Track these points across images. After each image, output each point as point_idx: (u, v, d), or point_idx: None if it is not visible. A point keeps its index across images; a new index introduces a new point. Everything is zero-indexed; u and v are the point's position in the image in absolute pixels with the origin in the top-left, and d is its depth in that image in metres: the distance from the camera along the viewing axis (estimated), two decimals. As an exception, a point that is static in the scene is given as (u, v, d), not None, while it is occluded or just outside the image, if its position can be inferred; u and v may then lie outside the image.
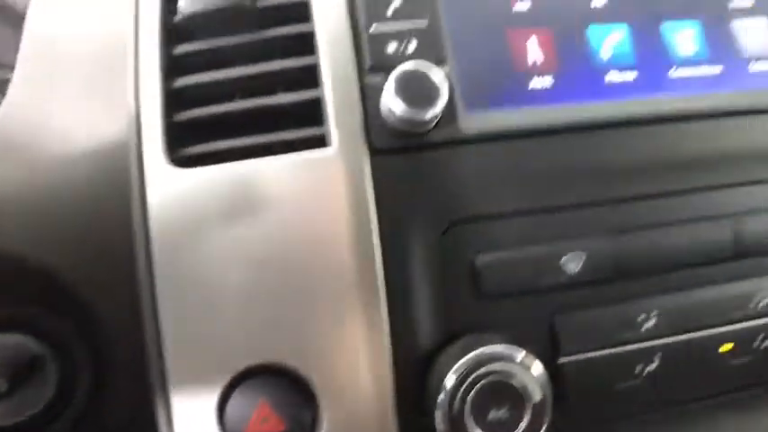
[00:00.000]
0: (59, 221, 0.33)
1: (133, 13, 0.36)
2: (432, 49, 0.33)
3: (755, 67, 0.39)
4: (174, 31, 0.36)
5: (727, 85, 0.38)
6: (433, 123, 0.32)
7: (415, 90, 0.31)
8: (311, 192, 0.32)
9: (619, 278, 0.34)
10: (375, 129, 0.32)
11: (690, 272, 0.36)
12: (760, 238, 0.36)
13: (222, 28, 0.36)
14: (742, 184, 0.36)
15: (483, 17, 0.36)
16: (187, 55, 0.36)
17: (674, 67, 0.37)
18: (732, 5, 0.40)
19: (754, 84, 0.38)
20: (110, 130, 0.35)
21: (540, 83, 0.36)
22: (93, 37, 0.37)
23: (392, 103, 0.31)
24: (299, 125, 0.34)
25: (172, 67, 0.35)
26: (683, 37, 0.38)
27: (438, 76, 0.31)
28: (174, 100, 0.35)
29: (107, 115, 0.35)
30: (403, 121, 0.31)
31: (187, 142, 0.34)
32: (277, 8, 0.36)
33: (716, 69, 0.38)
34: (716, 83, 0.38)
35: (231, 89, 0.35)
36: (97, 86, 0.36)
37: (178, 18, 0.36)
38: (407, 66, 0.31)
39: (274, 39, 0.36)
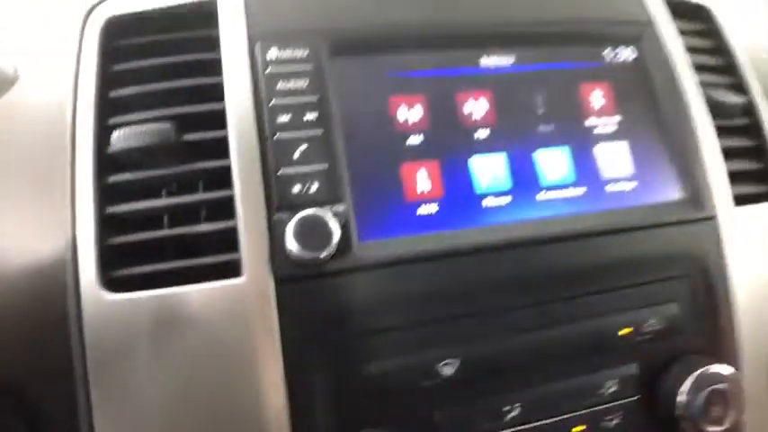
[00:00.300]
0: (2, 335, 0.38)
1: (69, 143, 0.41)
2: (331, 189, 0.39)
3: (612, 188, 0.46)
4: (107, 161, 0.41)
5: (589, 206, 0.45)
6: (330, 256, 0.38)
7: (312, 234, 0.37)
8: (225, 317, 0.37)
9: (489, 378, 0.41)
10: (280, 260, 0.38)
11: (551, 367, 0.43)
12: (608, 338, 0.43)
13: (151, 161, 0.41)
14: (592, 294, 0.43)
15: (380, 154, 0.42)
16: (119, 184, 0.41)
17: (544, 190, 0.44)
18: (596, 131, 0.47)
19: (611, 204, 0.45)
20: (48, 250, 0.40)
21: (428, 210, 0.42)
22: (34, 163, 0.42)
23: (291, 244, 0.37)
24: (219, 248, 0.39)
25: (105, 194, 0.40)
26: (553, 163, 0.45)
27: (333, 220, 0.37)
28: (106, 225, 0.40)
29: (46, 236, 0.40)
30: (301, 257, 0.37)
31: (120, 264, 0.39)
32: (200, 144, 0.41)
33: (579, 191, 0.45)
34: (579, 204, 0.45)
35: (160, 215, 0.41)
36: (37, 208, 0.41)
37: (111, 150, 0.41)
38: (306, 212, 0.37)
39: (197, 171, 0.41)
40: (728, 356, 0.45)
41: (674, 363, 0.44)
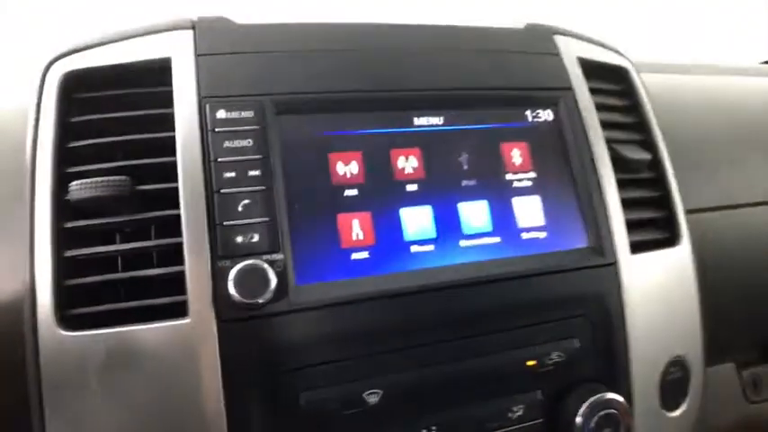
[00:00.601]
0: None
1: (29, 190, 0.45)
2: (271, 240, 0.44)
3: (525, 236, 0.52)
4: (65, 207, 0.44)
5: (504, 252, 0.51)
6: (268, 301, 0.43)
7: (251, 281, 0.42)
8: (172, 354, 0.42)
9: (410, 404, 0.47)
10: (222, 303, 0.42)
11: (465, 394, 0.49)
12: (516, 369, 0.49)
13: (107, 209, 0.45)
14: (504, 331, 0.49)
15: (318, 205, 0.47)
16: (76, 229, 0.44)
17: (465, 238, 0.50)
18: (514, 186, 0.53)
19: (524, 251, 0.51)
20: (8, 291, 0.43)
21: (360, 256, 0.47)
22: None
23: (233, 289, 0.42)
24: (170, 290, 0.44)
25: (62, 239, 0.44)
26: (473, 214, 0.51)
27: (270, 269, 0.42)
28: (64, 267, 0.43)
29: (5, 277, 0.44)
30: (241, 301, 0.42)
31: (76, 304, 0.43)
32: (153, 193, 0.45)
33: (496, 239, 0.51)
34: (496, 250, 0.51)
35: (114, 258, 0.45)
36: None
37: (70, 199, 0.44)
38: (246, 262, 0.42)
39: (149, 219, 0.45)
40: (621, 385, 0.52)
41: (573, 390, 0.50)
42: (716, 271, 0.66)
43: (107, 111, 0.47)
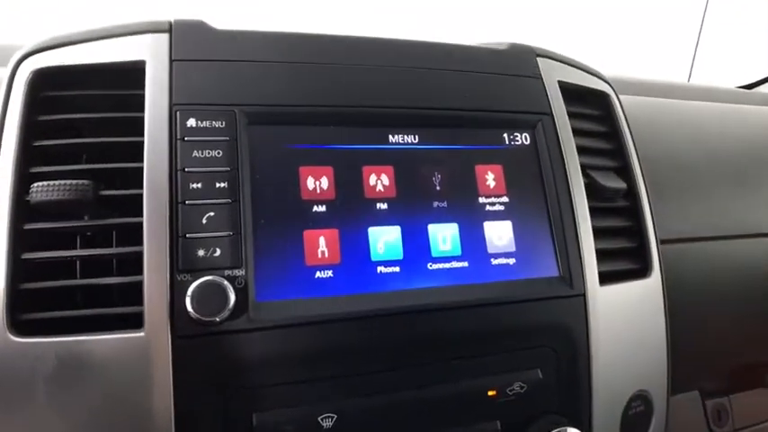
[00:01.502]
0: None
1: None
2: (233, 255, 0.43)
3: (494, 261, 0.51)
4: (24, 208, 0.43)
5: (472, 278, 0.50)
6: (225, 318, 0.42)
7: (209, 298, 0.41)
8: (123, 366, 0.41)
9: (365, 431, 0.46)
10: (179, 317, 0.41)
11: (422, 422, 0.48)
12: (476, 398, 0.49)
13: (68, 213, 0.44)
14: (466, 358, 0.49)
15: (285, 221, 0.46)
16: (34, 231, 0.43)
17: (432, 262, 0.49)
18: (485, 209, 0.52)
19: (492, 277, 0.51)
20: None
21: (325, 274, 0.46)
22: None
23: (190, 304, 0.41)
24: (128, 299, 0.43)
25: (20, 240, 0.43)
26: (443, 236, 0.50)
27: (230, 287, 0.41)
28: (19, 270, 0.42)
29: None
30: (198, 318, 0.41)
31: (29, 309, 0.42)
32: (116, 198, 0.44)
33: (464, 264, 0.50)
34: (463, 275, 0.50)
35: (72, 263, 0.44)
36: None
37: (30, 200, 0.43)
38: (206, 278, 0.41)
39: (111, 225, 0.44)
40: (582, 419, 0.52)
41: (532, 422, 0.50)
42: (685, 301, 0.66)
43: (75, 111, 0.46)
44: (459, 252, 0.50)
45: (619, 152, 0.62)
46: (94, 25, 0.49)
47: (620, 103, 0.65)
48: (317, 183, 0.48)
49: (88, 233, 0.45)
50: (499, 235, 0.52)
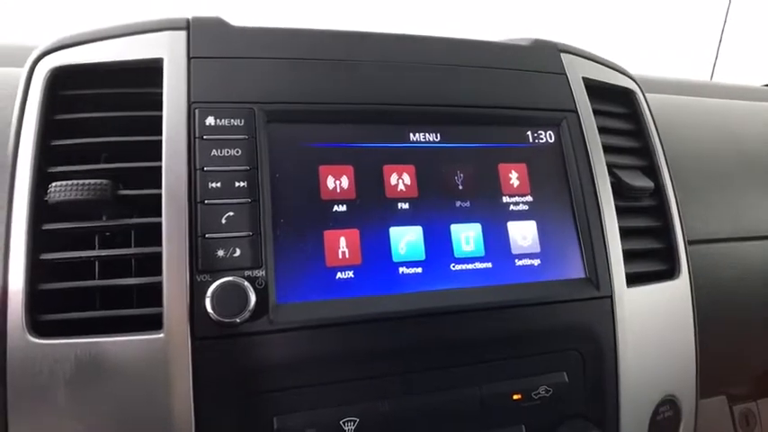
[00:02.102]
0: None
1: (7, 189, 0.43)
2: (253, 256, 0.42)
3: (519, 263, 0.50)
4: (43, 208, 0.43)
5: (496, 279, 0.49)
6: (246, 319, 0.41)
7: (230, 299, 0.40)
8: (142, 369, 0.40)
9: None
10: (198, 319, 0.41)
11: (446, 426, 0.47)
12: (501, 402, 0.48)
13: (86, 213, 0.43)
14: (491, 361, 0.48)
15: (305, 221, 0.45)
16: (53, 232, 0.43)
17: (454, 263, 0.48)
18: (509, 209, 0.51)
19: (516, 278, 0.49)
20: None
21: (346, 275, 0.45)
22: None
23: (210, 306, 0.40)
24: (148, 299, 0.42)
25: (39, 241, 0.42)
26: (466, 237, 0.49)
27: (251, 287, 0.41)
28: (38, 271, 0.42)
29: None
30: (218, 319, 0.40)
31: (48, 309, 0.41)
32: (135, 197, 0.44)
33: (488, 265, 0.49)
34: (487, 276, 0.49)
35: (91, 263, 0.43)
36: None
37: (48, 200, 0.43)
38: (226, 278, 0.40)
39: (129, 226, 0.43)
40: (609, 424, 0.50)
41: (558, 427, 0.48)
42: (712, 304, 0.64)
43: (93, 110, 0.46)
44: (482, 253, 0.49)
45: (645, 151, 0.60)
46: (112, 23, 0.48)
47: (646, 100, 0.63)
48: (338, 182, 0.47)
49: (107, 233, 0.44)
50: (523, 235, 0.51)
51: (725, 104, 0.85)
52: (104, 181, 0.43)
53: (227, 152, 0.44)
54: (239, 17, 0.51)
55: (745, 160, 0.76)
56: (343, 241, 0.46)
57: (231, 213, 0.43)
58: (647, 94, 0.64)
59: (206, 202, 0.43)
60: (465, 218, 0.49)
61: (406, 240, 0.48)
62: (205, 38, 0.47)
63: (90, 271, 0.43)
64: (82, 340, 0.40)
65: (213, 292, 0.40)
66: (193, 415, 0.40)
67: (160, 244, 0.42)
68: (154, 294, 0.42)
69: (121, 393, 0.40)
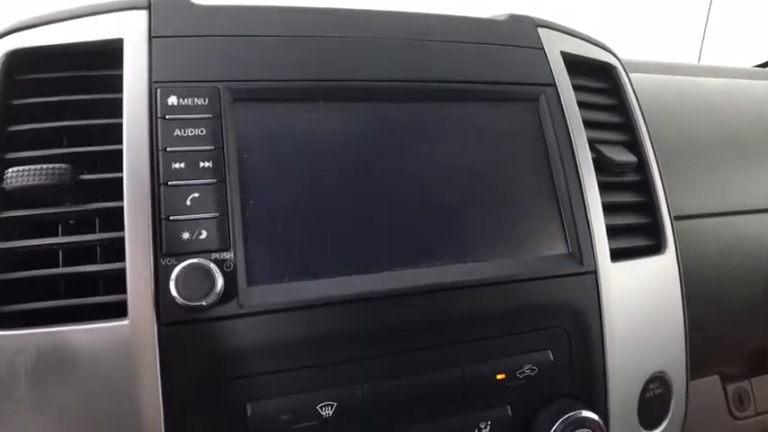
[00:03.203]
0: None
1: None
2: (220, 237, 0.41)
3: (500, 239, 0.49)
4: (1, 196, 0.41)
5: (478, 255, 0.47)
6: (213, 303, 0.39)
7: (196, 282, 0.38)
8: (108, 357, 0.39)
9: (367, 418, 0.43)
10: (164, 304, 0.39)
11: (428, 408, 0.45)
12: (484, 382, 0.46)
13: (46, 199, 0.41)
14: (472, 341, 0.46)
15: (274, 202, 0.43)
16: (12, 220, 0.41)
17: (432, 241, 0.47)
18: (490, 185, 0.49)
19: (499, 255, 0.48)
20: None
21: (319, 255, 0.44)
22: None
23: (175, 289, 0.38)
24: (112, 287, 0.40)
25: None
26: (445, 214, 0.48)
27: (217, 269, 0.39)
28: None
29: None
30: (185, 303, 0.39)
31: (7, 300, 0.39)
32: (96, 182, 0.42)
33: (468, 241, 0.48)
34: (468, 253, 0.47)
35: (54, 251, 0.41)
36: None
37: (5, 187, 0.41)
38: (191, 260, 0.39)
39: (92, 211, 0.42)
40: (597, 402, 0.49)
41: (545, 406, 0.47)
42: (701, 281, 0.63)
43: (52, 93, 0.44)
44: (461, 230, 0.48)
45: (627, 125, 0.59)
46: (70, 5, 0.47)
47: (627, 75, 0.62)
48: (308, 161, 0.45)
49: (71, 221, 0.42)
50: (504, 211, 0.49)
51: (709, 82, 0.84)
52: (63, 165, 0.41)
53: (191, 132, 0.42)
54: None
55: (730, 136, 0.75)
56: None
57: (196, 194, 0.41)
58: (631, 75, 0.62)
59: (169, 183, 0.41)
60: (443, 195, 0.48)
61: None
62: (167, 17, 0.46)
63: (54, 260, 0.41)
64: (44, 330, 0.38)
65: (177, 275, 0.38)
66: (162, 403, 0.39)
67: (123, 229, 0.40)
68: (119, 281, 0.40)
69: (86, 384, 0.38)
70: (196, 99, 0.43)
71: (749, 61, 1.23)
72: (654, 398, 0.52)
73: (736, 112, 0.80)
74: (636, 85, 0.61)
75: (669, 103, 0.76)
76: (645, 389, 0.52)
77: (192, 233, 0.40)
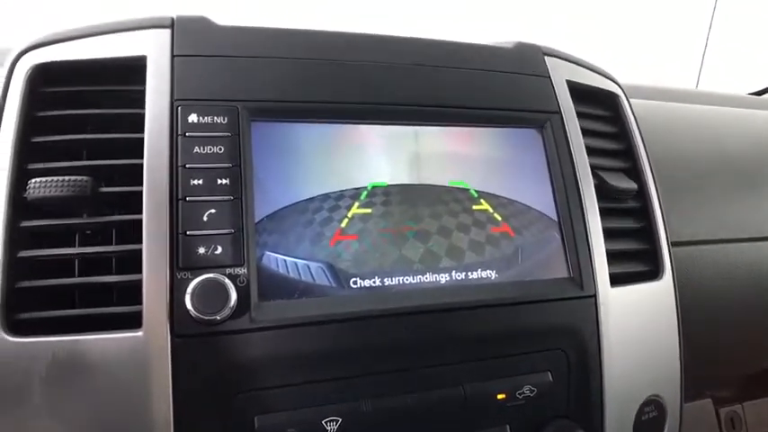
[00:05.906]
0: None
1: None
2: (235, 253, 0.42)
3: (504, 262, 0.50)
4: (22, 205, 0.42)
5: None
6: (227, 317, 0.41)
7: (210, 296, 0.40)
8: (121, 367, 0.40)
9: None
10: (178, 316, 0.40)
11: (429, 426, 0.46)
12: (484, 402, 0.47)
13: (66, 210, 0.43)
14: (475, 360, 0.47)
15: (288, 220, 0.45)
16: (32, 229, 0.42)
17: (440, 263, 0.48)
18: (494, 209, 0.51)
19: (502, 277, 0.49)
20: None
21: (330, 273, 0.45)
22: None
23: (190, 303, 0.40)
24: (128, 298, 0.41)
25: (17, 238, 0.42)
26: (451, 237, 0.49)
27: (231, 284, 0.40)
28: (16, 269, 0.41)
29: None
30: (199, 317, 0.40)
31: (26, 308, 0.41)
32: (116, 195, 0.43)
33: (473, 264, 0.49)
34: (472, 275, 0.49)
35: (71, 261, 0.42)
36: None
37: (27, 197, 0.42)
38: (207, 275, 0.40)
39: (110, 223, 0.43)
40: (593, 424, 0.50)
41: (542, 428, 0.48)
42: (696, 307, 0.64)
43: (75, 107, 0.45)
44: (467, 252, 0.49)
45: (629, 153, 0.61)
46: (96, 22, 0.48)
47: (629, 103, 0.64)
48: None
49: (88, 231, 0.44)
50: (507, 235, 0.51)
51: (708, 110, 0.86)
52: (84, 178, 0.42)
53: (210, 149, 0.44)
54: (225, 17, 0.51)
55: (729, 164, 0.77)
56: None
57: (213, 211, 0.43)
58: (632, 100, 0.64)
59: (187, 199, 0.42)
60: (446, 215, 0.49)
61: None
62: (189, 36, 0.47)
63: (70, 269, 0.43)
64: (60, 338, 0.39)
65: (193, 289, 0.40)
66: (172, 413, 0.40)
67: (140, 241, 0.42)
68: (135, 292, 0.41)
69: (100, 392, 0.39)
70: (215, 117, 0.44)
71: (746, 87, 1.25)
72: (648, 421, 0.53)
73: (737, 140, 0.82)
74: (637, 112, 0.63)
75: (670, 129, 0.77)
76: (640, 412, 0.53)
77: (207, 248, 0.42)
